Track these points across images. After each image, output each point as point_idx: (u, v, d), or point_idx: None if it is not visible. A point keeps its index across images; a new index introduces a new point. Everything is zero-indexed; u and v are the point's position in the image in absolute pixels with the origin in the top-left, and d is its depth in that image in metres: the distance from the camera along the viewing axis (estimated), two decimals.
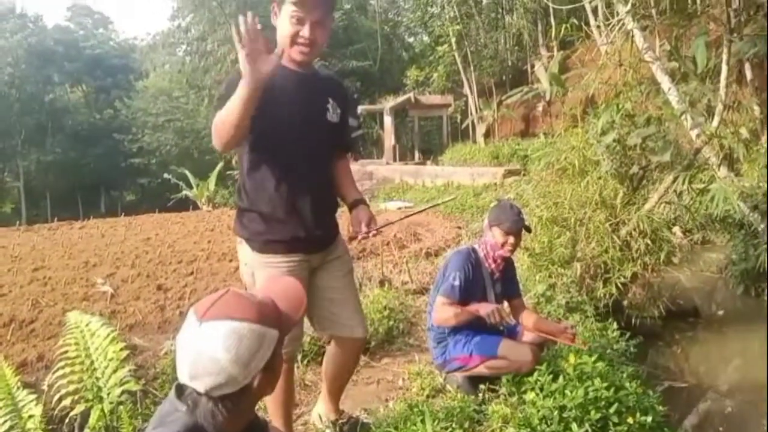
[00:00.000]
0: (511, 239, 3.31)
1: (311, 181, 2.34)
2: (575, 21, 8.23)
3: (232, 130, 2.05)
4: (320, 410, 2.85)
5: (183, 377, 1.25)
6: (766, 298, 6.01)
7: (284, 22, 2.23)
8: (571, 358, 2.75)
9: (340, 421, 2.80)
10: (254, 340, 1.22)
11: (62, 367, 2.82)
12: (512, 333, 3.39)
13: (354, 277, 2.75)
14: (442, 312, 3.20)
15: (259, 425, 1.52)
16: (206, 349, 1.21)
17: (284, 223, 2.31)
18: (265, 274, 2.33)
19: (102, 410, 2.69)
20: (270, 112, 2.15)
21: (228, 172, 27.21)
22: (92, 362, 2.83)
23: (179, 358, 1.26)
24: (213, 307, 1.26)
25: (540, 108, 20.48)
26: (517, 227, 3.31)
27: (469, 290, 3.24)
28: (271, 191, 2.29)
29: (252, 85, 1.95)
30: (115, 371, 2.78)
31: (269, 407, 2.57)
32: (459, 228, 10.81)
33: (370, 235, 2.35)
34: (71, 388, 2.75)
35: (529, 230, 3.59)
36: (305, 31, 2.22)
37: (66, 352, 2.91)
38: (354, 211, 2.42)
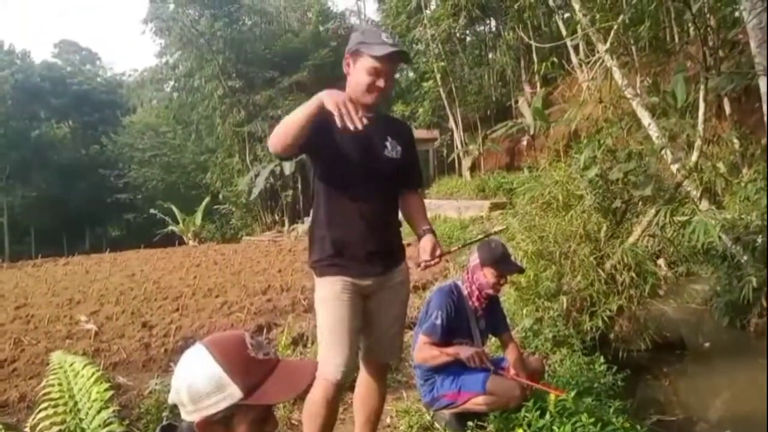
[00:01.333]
0: (503, 280, 3.35)
1: (371, 214, 2.52)
2: (557, 59, 8.45)
3: (288, 132, 2.32)
4: None
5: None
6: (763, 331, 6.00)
7: (360, 73, 2.45)
8: (552, 397, 2.76)
9: None
10: (211, 385, 1.20)
11: (45, 409, 2.78)
12: (499, 367, 3.39)
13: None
14: (424, 352, 3.21)
15: None
16: (181, 366, 1.26)
17: (341, 249, 2.51)
18: (322, 294, 2.53)
19: None
20: (334, 151, 2.45)
21: (215, 207, 27.20)
22: (75, 403, 2.80)
23: None
24: (217, 338, 1.29)
25: (524, 142, 20.72)
26: (513, 270, 3.36)
27: (453, 328, 3.24)
28: (329, 222, 2.51)
29: (317, 102, 2.23)
30: (98, 412, 2.75)
31: (305, 429, 2.56)
32: (446, 261, 10.82)
33: (433, 262, 2.55)
34: (54, 430, 2.71)
35: (522, 271, 3.63)
36: (380, 83, 2.45)
37: (49, 393, 2.87)
38: (421, 240, 2.62)
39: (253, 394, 1.22)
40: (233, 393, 1.20)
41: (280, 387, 1.26)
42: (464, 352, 3.01)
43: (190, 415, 1.24)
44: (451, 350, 3.10)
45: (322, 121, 2.36)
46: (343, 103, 2.17)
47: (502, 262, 3.29)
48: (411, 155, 2.70)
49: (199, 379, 1.21)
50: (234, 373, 1.21)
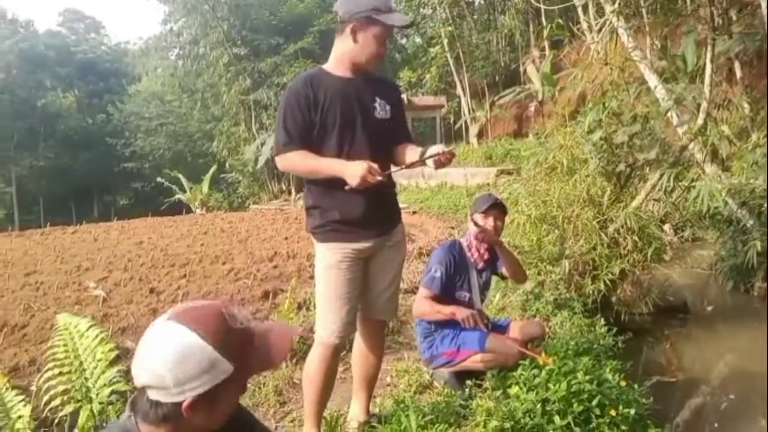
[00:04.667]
0: (491, 221, 3.35)
1: None
2: (565, 21, 8.30)
3: (300, 172, 2.57)
4: (353, 413, 2.90)
5: (134, 365, 1.19)
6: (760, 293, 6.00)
7: (373, 42, 2.47)
8: (540, 361, 2.81)
9: (369, 424, 2.85)
10: (200, 363, 1.13)
11: (51, 368, 2.84)
12: (498, 327, 3.43)
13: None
14: (421, 305, 3.29)
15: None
16: (155, 346, 1.16)
17: (341, 214, 2.52)
18: (322, 261, 2.57)
19: (91, 410, 2.71)
20: (327, 120, 2.47)
21: (222, 176, 27.24)
22: (81, 363, 2.85)
23: (138, 345, 1.20)
24: (189, 311, 1.19)
25: (532, 108, 20.54)
26: (491, 203, 3.39)
27: (452, 281, 3.32)
28: (327, 186, 2.49)
29: (339, 174, 2.36)
30: (104, 372, 2.80)
31: (304, 389, 2.66)
32: (452, 228, 10.86)
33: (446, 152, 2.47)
34: (60, 388, 2.77)
35: (505, 210, 3.59)
36: (383, 50, 2.53)
37: (55, 353, 2.93)
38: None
39: (240, 365, 1.19)
40: (225, 368, 1.16)
41: (263, 356, 1.24)
42: (460, 312, 3.05)
43: (173, 397, 1.15)
44: (447, 310, 3.14)
45: (309, 99, 2.44)
46: (367, 179, 2.30)
47: (481, 203, 3.41)
48: (400, 114, 2.71)
49: (188, 359, 1.13)
50: (222, 347, 1.16)
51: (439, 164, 2.43)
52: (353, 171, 2.32)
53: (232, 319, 1.20)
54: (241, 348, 1.19)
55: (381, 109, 2.58)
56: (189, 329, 1.14)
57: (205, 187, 24.18)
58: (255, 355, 1.22)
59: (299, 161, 2.46)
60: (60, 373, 2.81)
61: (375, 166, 2.34)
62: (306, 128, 2.45)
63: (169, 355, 1.13)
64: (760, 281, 6.20)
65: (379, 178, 2.34)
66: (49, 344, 3.06)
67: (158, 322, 1.18)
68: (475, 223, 3.37)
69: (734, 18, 9.05)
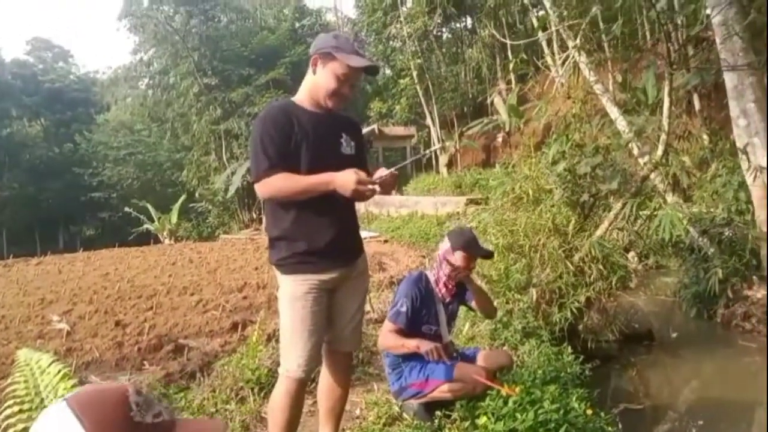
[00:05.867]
0: (472, 263, 3.39)
1: (333, 209, 2.54)
2: (530, 55, 8.53)
3: (283, 195, 2.48)
4: None
5: None
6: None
7: (330, 77, 2.51)
8: (504, 392, 2.83)
9: None
10: None
11: (11, 406, 2.75)
12: (466, 358, 3.45)
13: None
14: (387, 339, 3.27)
15: None
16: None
17: (307, 246, 2.53)
18: (287, 293, 2.56)
19: None
20: (297, 153, 2.48)
21: (191, 205, 26.99)
22: (42, 400, 2.77)
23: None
24: (90, 393, 0.90)
25: (500, 139, 20.90)
26: (482, 252, 3.41)
27: (419, 315, 3.30)
28: (297, 215, 2.52)
29: (324, 188, 2.41)
30: None
31: (270, 424, 2.63)
32: (423, 257, 10.91)
33: (387, 173, 2.57)
34: (20, 427, 2.68)
35: (491, 255, 3.67)
36: (346, 90, 2.55)
37: (15, 390, 2.84)
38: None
39: None
40: None
41: None
42: (424, 346, 3.05)
43: None
44: (412, 343, 3.13)
45: (283, 132, 2.47)
46: (358, 190, 2.37)
47: (471, 245, 3.35)
48: (363, 151, 2.80)
49: None
50: None
51: (385, 185, 2.53)
52: (343, 181, 2.36)
53: (140, 410, 0.87)
54: None
55: (347, 145, 2.64)
56: (76, 418, 0.83)
57: (173, 216, 23.94)
58: None
59: (285, 183, 2.44)
60: (20, 411, 2.72)
61: (363, 174, 2.39)
62: (286, 152, 2.46)
63: None
64: (722, 308, 6.34)
65: (371, 187, 2.41)
66: (8, 381, 2.98)
67: (56, 403, 0.89)
68: (451, 263, 3.35)
69: (691, 53, 9.43)
